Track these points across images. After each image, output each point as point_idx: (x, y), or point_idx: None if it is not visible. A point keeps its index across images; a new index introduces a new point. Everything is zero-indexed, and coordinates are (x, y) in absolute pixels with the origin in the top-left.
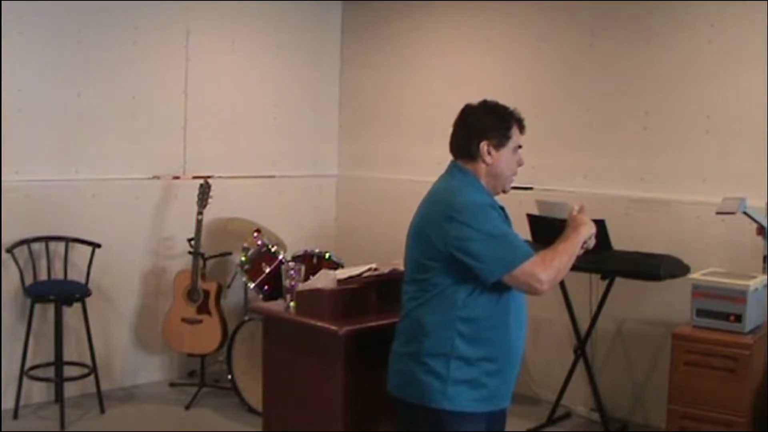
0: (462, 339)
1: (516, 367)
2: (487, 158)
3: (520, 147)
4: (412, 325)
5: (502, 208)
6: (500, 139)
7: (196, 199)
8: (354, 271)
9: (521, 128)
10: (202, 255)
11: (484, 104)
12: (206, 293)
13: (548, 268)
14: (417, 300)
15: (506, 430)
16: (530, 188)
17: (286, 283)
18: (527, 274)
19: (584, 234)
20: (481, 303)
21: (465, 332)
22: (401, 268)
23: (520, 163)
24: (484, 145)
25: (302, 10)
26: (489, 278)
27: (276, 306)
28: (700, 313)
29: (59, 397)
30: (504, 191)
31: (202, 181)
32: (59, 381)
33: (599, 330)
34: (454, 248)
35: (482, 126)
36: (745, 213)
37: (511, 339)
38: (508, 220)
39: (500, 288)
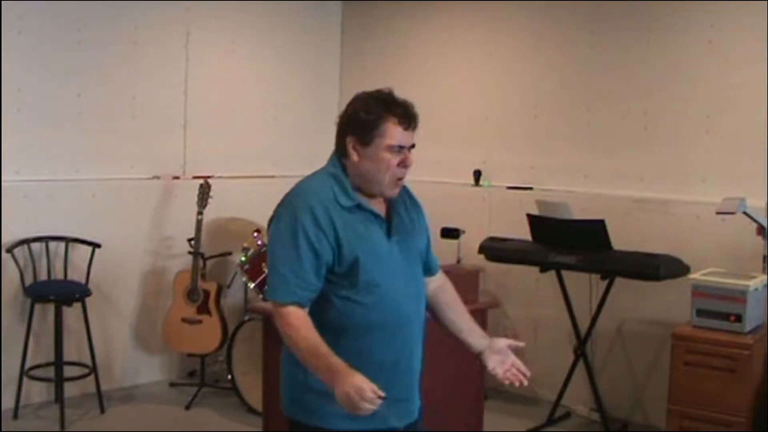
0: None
1: (394, 385)
2: (353, 156)
3: (404, 147)
4: None
5: (403, 207)
6: (365, 135)
7: (196, 199)
8: None
9: (405, 124)
10: (202, 255)
11: (368, 93)
12: (206, 293)
13: (277, 325)
14: None
15: (506, 430)
16: (530, 188)
17: None
18: (275, 314)
19: (335, 380)
20: (336, 307)
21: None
22: None
23: (403, 165)
24: (349, 141)
25: (302, 10)
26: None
27: None
28: (700, 313)
29: (59, 397)
30: (383, 196)
31: (202, 181)
32: (59, 381)
33: (599, 330)
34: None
35: (349, 118)
36: (745, 213)
37: (387, 350)
38: (379, 224)
39: (351, 291)
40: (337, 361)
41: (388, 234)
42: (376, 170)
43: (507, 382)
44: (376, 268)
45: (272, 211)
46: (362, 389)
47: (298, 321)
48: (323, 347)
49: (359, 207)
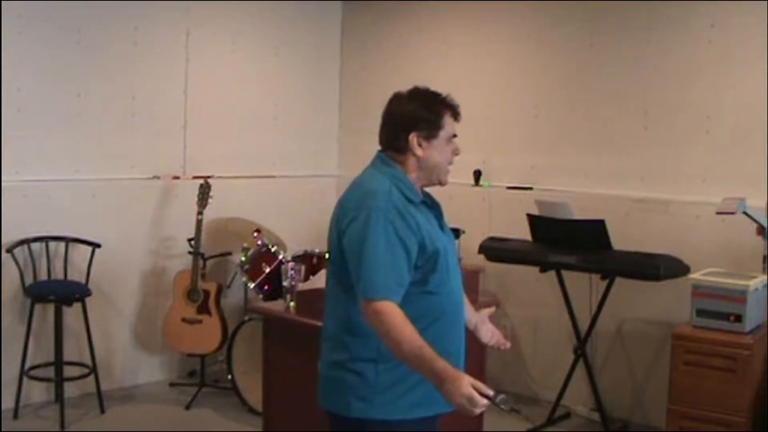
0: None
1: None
2: (418, 151)
3: (455, 136)
4: (337, 326)
5: (432, 204)
6: (430, 129)
7: (196, 199)
8: None
9: (455, 116)
10: (202, 255)
11: (413, 92)
12: (206, 293)
13: (375, 322)
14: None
15: (506, 430)
16: (530, 188)
17: (286, 283)
18: (371, 312)
19: (442, 387)
20: (410, 300)
21: None
22: None
23: (456, 153)
24: (413, 137)
25: (302, 10)
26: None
27: (276, 306)
28: (700, 313)
29: (59, 397)
30: (441, 183)
31: (202, 181)
32: (59, 381)
33: (599, 330)
34: (346, 240)
35: (410, 116)
36: (745, 213)
37: (447, 340)
38: (434, 217)
39: (429, 283)
40: (441, 366)
41: (441, 227)
42: (440, 160)
43: (491, 345)
44: (446, 258)
45: (346, 214)
46: (473, 398)
47: (399, 319)
48: (427, 349)
49: (423, 201)
